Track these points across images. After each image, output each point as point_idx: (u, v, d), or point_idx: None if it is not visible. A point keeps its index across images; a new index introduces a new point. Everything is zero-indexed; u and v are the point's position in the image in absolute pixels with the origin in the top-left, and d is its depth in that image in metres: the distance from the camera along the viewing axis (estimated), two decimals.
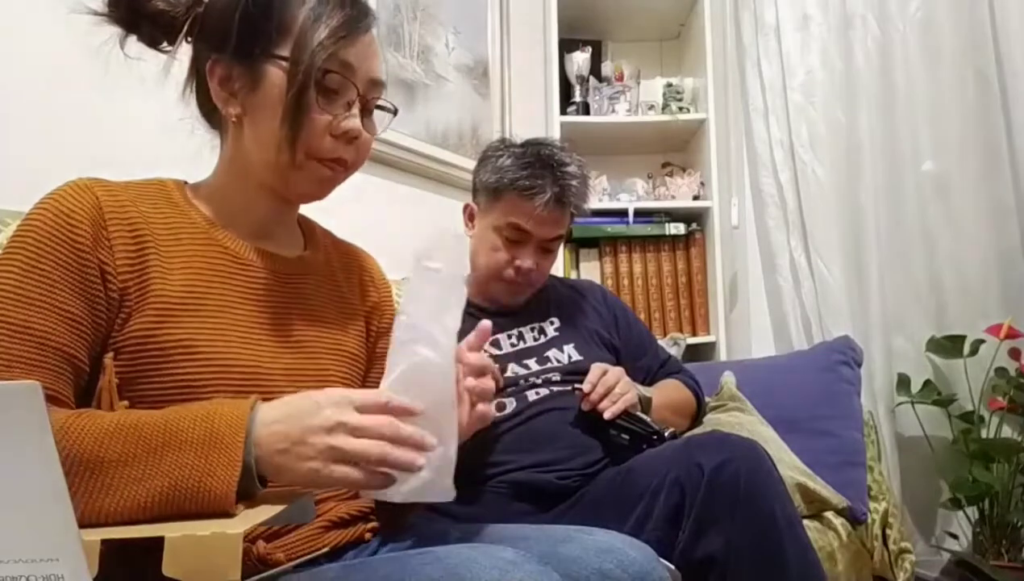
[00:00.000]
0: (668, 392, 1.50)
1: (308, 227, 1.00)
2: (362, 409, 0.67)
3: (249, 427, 0.67)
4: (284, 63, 0.82)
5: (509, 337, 1.45)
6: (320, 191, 0.90)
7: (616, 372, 1.32)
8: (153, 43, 0.85)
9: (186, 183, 0.90)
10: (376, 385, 1.01)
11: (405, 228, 1.95)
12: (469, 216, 1.50)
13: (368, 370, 0.99)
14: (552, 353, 1.43)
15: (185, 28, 0.84)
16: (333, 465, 0.66)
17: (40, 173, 0.86)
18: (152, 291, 0.79)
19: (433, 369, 0.73)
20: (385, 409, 0.68)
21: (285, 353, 0.86)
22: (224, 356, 0.81)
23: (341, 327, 0.95)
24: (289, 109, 0.81)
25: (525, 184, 1.37)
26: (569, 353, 1.43)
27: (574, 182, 1.40)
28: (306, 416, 0.67)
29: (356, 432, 0.66)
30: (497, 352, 1.42)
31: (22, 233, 0.75)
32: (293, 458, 0.66)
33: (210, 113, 0.90)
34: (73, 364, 0.74)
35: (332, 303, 0.95)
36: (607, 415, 1.26)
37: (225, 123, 0.88)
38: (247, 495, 0.66)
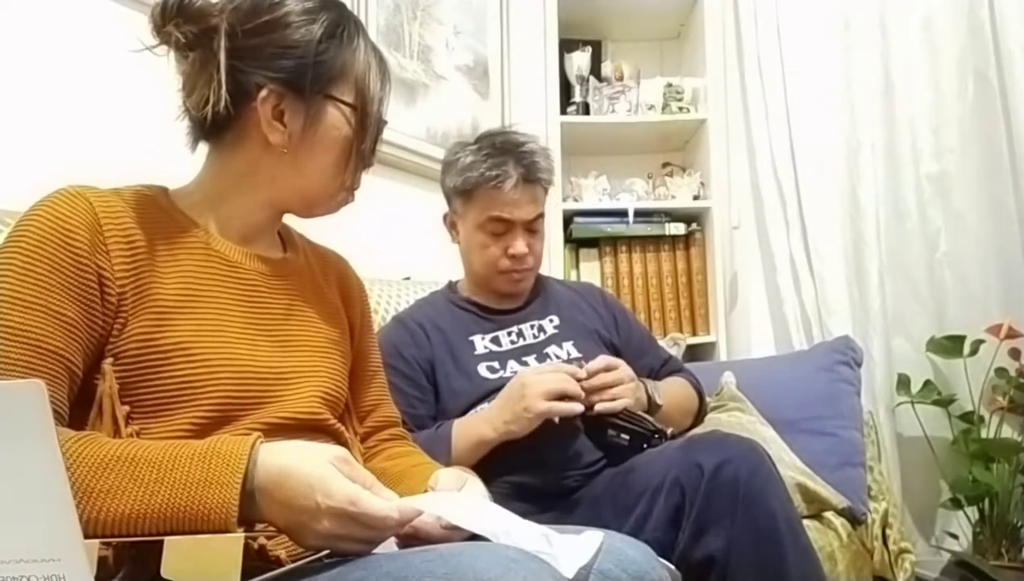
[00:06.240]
0: (674, 391, 1.49)
1: (285, 230, 1.01)
2: (367, 526, 0.67)
3: (250, 469, 0.66)
4: (347, 108, 0.88)
5: (509, 334, 1.45)
6: (334, 212, 0.97)
7: (620, 374, 1.30)
8: (185, 42, 0.82)
9: (166, 189, 0.90)
10: (361, 381, 1.03)
11: (405, 228, 1.96)
12: (451, 225, 1.50)
13: (354, 366, 1.01)
14: (552, 350, 1.43)
15: (223, 35, 0.82)
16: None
17: (39, 173, 0.87)
18: (149, 295, 0.79)
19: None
20: (388, 527, 0.68)
21: (277, 351, 0.88)
22: (221, 356, 0.81)
23: (327, 325, 0.96)
24: (353, 152, 0.90)
25: (491, 174, 1.37)
26: (568, 350, 1.43)
27: (536, 158, 1.40)
28: (304, 515, 0.66)
29: (350, 540, 0.68)
30: (497, 349, 1.42)
31: (16, 238, 0.75)
32: (289, 530, 0.69)
33: (221, 123, 0.86)
34: (68, 369, 0.74)
35: (317, 302, 0.97)
36: (597, 408, 1.26)
37: (244, 139, 0.87)
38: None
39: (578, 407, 1.24)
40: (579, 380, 1.27)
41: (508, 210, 1.39)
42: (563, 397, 1.23)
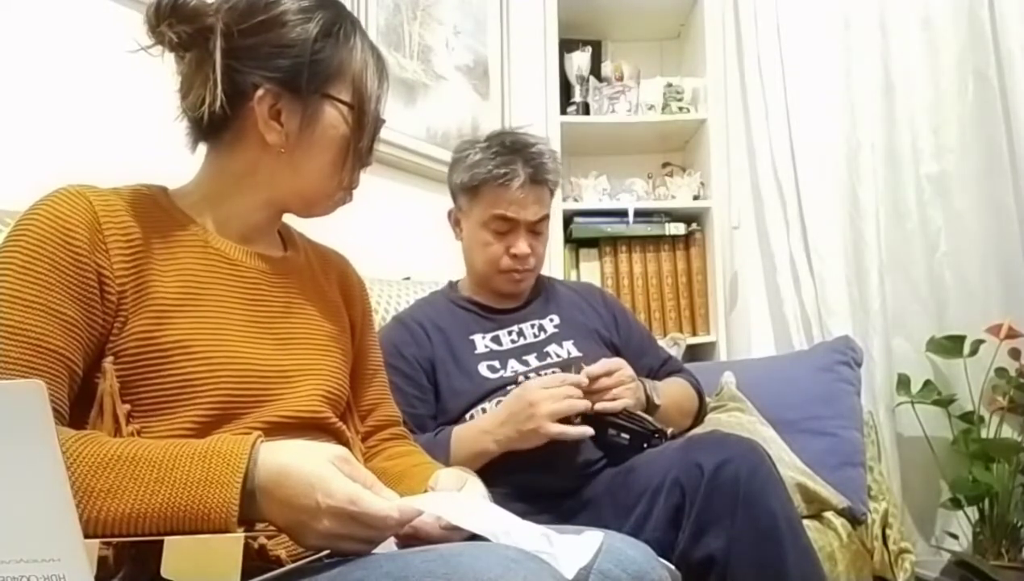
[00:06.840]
0: (674, 391, 1.49)
1: (285, 229, 1.01)
2: (367, 525, 0.67)
3: (250, 469, 0.66)
4: (344, 107, 0.88)
5: (509, 333, 1.45)
6: (332, 211, 0.97)
7: (620, 376, 1.30)
8: (180, 42, 0.82)
9: (166, 189, 0.90)
10: (362, 380, 1.03)
11: (405, 228, 1.96)
12: (455, 222, 1.50)
13: (355, 365, 1.01)
14: (552, 348, 1.43)
15: (219, 34, 0.82)
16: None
17: (39, 173, 0.87)
18: (149, 294, 0.80)
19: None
20: (388, 527, 0.68)
21: (278, 350, 0.88)
22: (221, 354, 0.81)
23: (328, 323, 0.96)
24: (350, 151, 0.89)
25: (499, 172, 1.38)
26: (568, 349, 1.43)
27: (544, 159, 1.41)
28: (305, 515, 0.66)
29: (350, 540, 0.68)
30: (498, 348, 1.42)
31: (17, 237, 0.75)
32: (289, 530, 0.69)
33: (218, 123, 0.86)
34: (68, 368, 0.74)
35: (317, 300, 0.97)
36: (596, 408, 1.26)
37: (241, 139, 0.87)
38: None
39: (589, 431, 1.24)
40: (580, 386, 1.26)
41: (513, 209, 1.39)
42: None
